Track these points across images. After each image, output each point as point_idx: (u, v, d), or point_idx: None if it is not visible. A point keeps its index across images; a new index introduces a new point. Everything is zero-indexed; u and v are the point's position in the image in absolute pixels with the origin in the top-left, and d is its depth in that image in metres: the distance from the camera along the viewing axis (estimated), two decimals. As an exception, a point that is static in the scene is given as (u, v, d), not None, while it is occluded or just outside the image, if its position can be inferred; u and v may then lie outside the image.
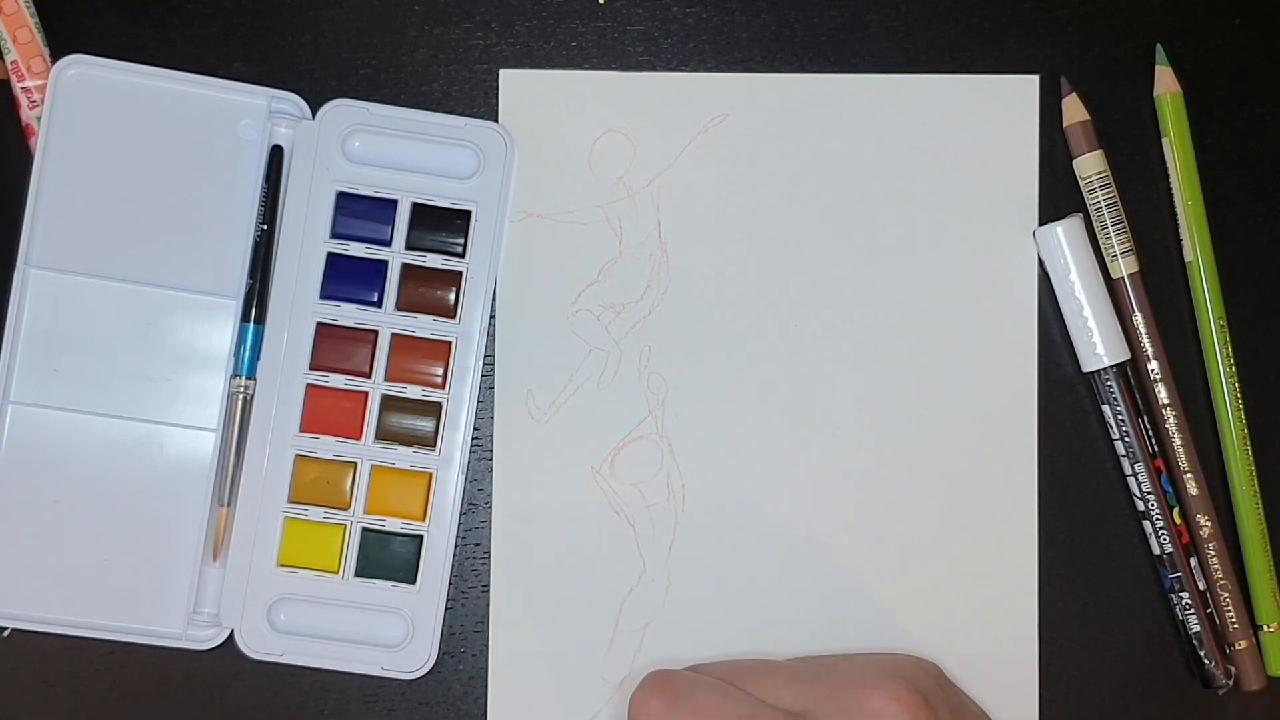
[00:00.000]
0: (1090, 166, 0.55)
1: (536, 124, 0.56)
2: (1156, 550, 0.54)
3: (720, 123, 0.56)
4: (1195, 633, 0.54)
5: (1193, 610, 0.54)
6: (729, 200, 0.56)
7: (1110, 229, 0.54)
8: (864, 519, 0.55)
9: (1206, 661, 0.54)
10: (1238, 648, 0.54)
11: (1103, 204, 0.55)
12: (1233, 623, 0.54)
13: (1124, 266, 0.55)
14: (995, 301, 0.55)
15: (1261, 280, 0.56)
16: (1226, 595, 0.54)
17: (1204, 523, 0.54)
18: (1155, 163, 0.56)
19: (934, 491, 0.55)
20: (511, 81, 0.56)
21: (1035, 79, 0.56)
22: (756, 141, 0.56)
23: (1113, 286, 0.55)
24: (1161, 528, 0.54)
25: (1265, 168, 0.56)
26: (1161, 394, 0.55)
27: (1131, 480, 0.54)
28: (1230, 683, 0.54)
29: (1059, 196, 0.56)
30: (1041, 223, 0.55)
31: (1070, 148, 0.55)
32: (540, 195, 0.55)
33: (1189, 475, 0.54)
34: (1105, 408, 0.54)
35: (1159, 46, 0.56)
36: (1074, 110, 0.55)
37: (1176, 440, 0.54)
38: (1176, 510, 0.54)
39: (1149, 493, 0.54)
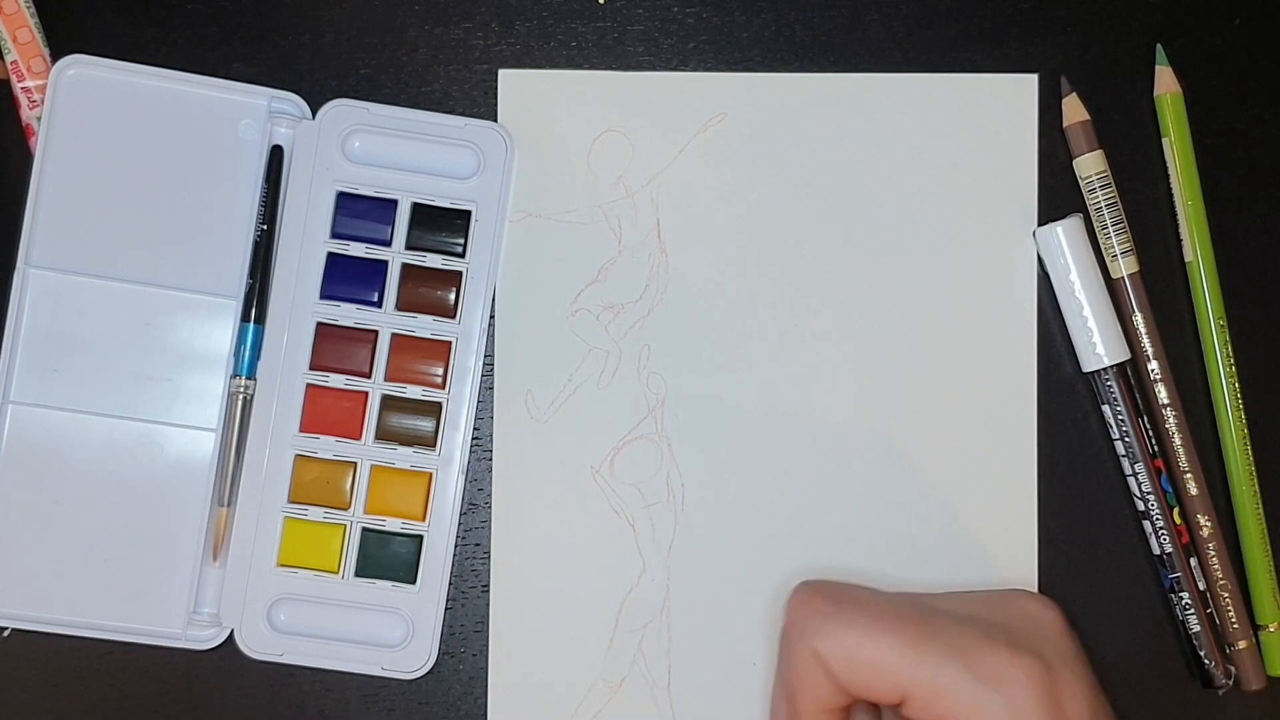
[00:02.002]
0: (1090, 166, 0.55)
1: (536, 124, 0.56)
2: (1156, 550, 0.54)
3: (719, 122, 0.56)
4: (1195, 633, 0.54)
5: (1193, 610, 0.54)
6: (728, 200, 0.56)
7: (1110, 229, 0.54)
8: (864, 518, 0.55)
9: (1207, 661, 0.54)
10: (1238, 648, 0.54)
11: (1103, 204, 0.55)
12: (1233, 623, 0.54)
13: (1124, 266, 0.54)
14: (995, 301, 0.55)
15: (1262, 280, 0.56)
16: (1226, 595, 0.54)
17: (1204, 523, 0.54)
18: (1155, 163, 0.56)
19: (934, 491, 0.55)
20: (511, 81, 0.56)
21: (1034, 78, 0.56)
22: (756, 141, 0.56)
23: (1112, 287, 0.55)
24: (1161, 528, 0.54)
25: (1265, 168, 0.56)
26: (1161, 394, 0.55)
27: (1131, 480, 0.54)
28: (1230, 683, 0.54)
29: (1059, 196, 0.55)
30: (1041, 223, 0.55)
31: (1070, 148, 0.55)
32: (540, 195, 0.55)
33: (1189, 475, 0.54)
34: (1105, 408, 0.54)
35: (1159, 47, 0.56)
36: (1074, 110, 0.55)
37: (1176, 440, 0.54)
38: (1176, 510, 0.54)
39: (1149, 493, 0.54)
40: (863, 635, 0.46)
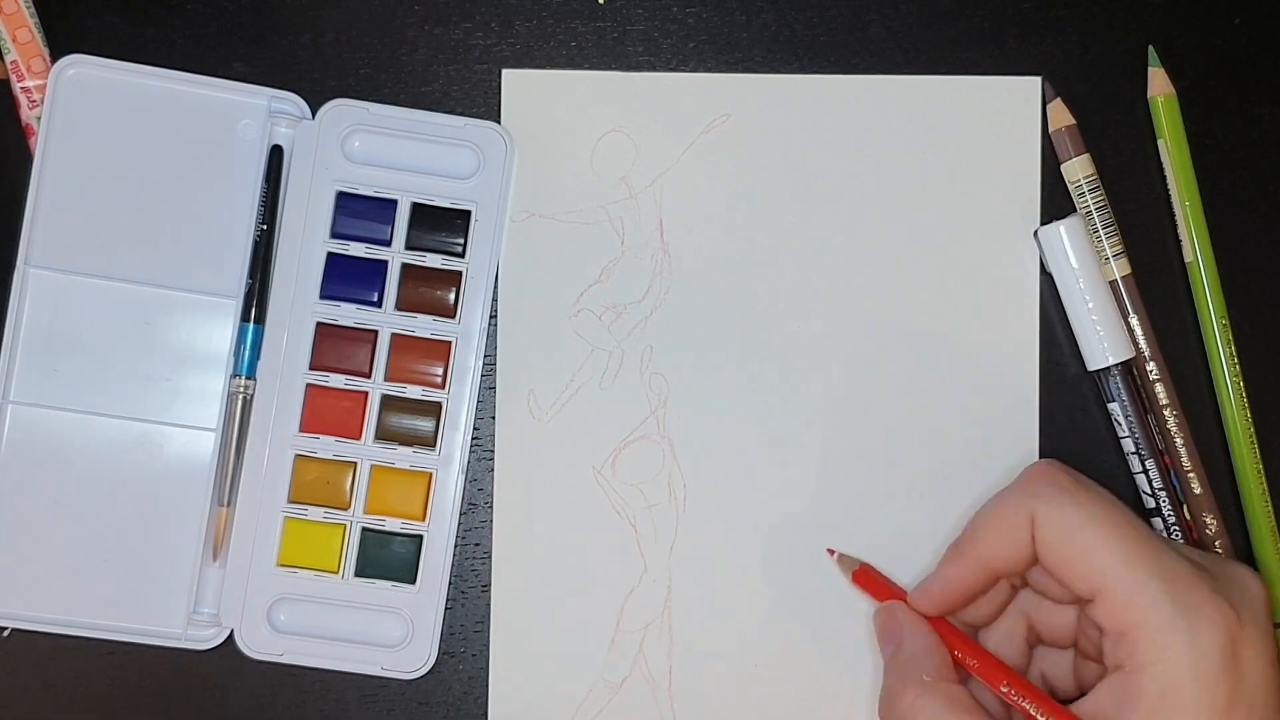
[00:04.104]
0: (1078, 171, 0.55)
1: (540, 124, 0.56)
2: (1168, 547, 0.54)
3: (723, 123, 0.56)
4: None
5: (1204, 607, 0.54)
6: (731, 201, 0.56)
7: (1101, 232, 0.54)
8: (865, 518, 0.55)
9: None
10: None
11: (1092, 208, 0.55)
12: (1243, 620, 0.54)
13: (1116, 269, 0.55)
14: (997, 302, 0.55)
15: (1262, 280, 0.56)
16: (1235, 594, 0.54)
17: (1209, 521, 0.54)
18: (1157, 162, 0.56)
19: (935, 491, 0.55)
20: (514, 81, 0.56)
21: (1038, 80, 0.56)
22: (759, 142, 0.56)
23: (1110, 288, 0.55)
24: (1173, 524, 0.54)
25: (1265, 168, 0.56)
26: (1161, 394, 0.55)
27: (1141, 477, 0.54)
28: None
29: (1060, 196, 0.56)
30: (1043, 223, 0.55)
31: (1057, 152, 0.55)
32: (542, 195, 0.55)
33: (1191, 475, 0.54)
34: (1113, 405, 0.54)
35: (1151, 48, 0.56)
36: (1059, 115, 0.55)
37: (1178, 440, 0.54)
38: (1185, 508, 0.54)
39: (1160, 489, 0.54)
40: (1089, 519, 0.46)
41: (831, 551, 0.54)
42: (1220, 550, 0.54)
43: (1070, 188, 0.55)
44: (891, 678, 0.50)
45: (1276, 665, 0.46)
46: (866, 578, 0.53)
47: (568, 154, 0.55)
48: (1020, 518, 0.48)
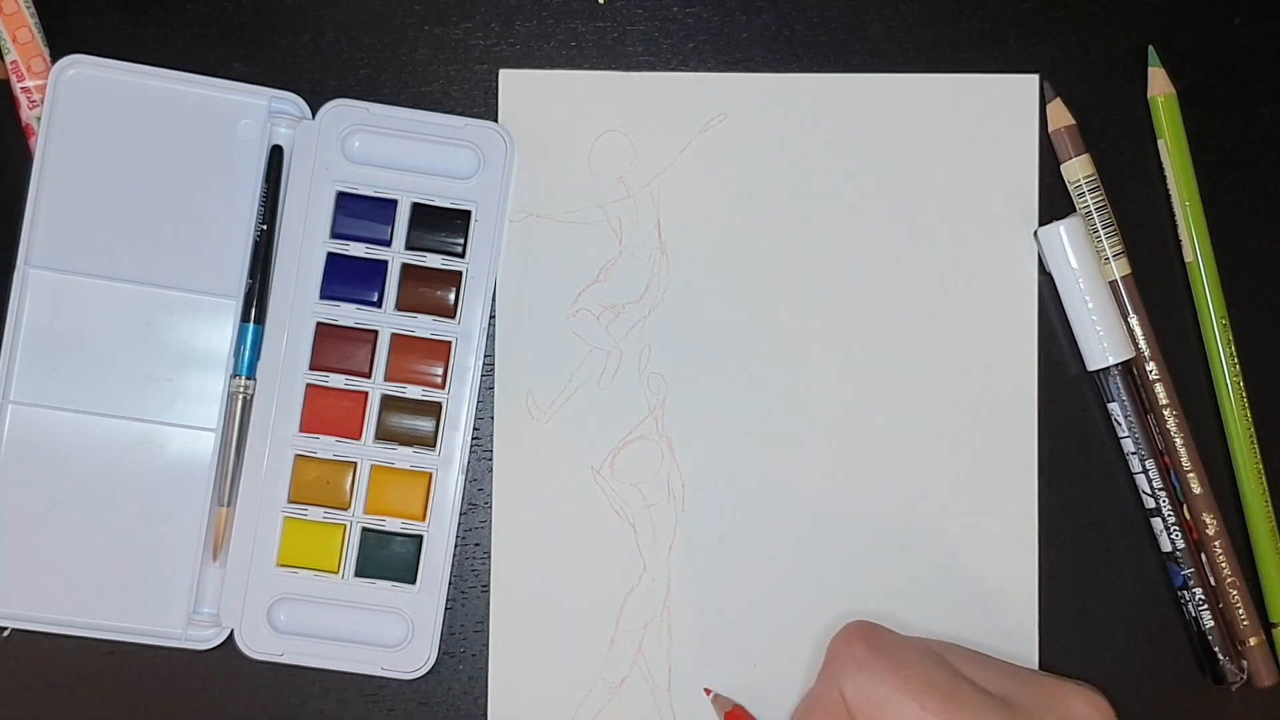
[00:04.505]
0: (1077, 171, 0.55)
1: (536, 124, 0.56)
2: (1168, 547, 0.54)
3: (721, 122, 0.56)
4: (1209, 629, 0.54)
5: (1206, 606, 0.54)
6: (729, 200, 0.56)
7: (1101, 232, 0.54)
8: (864, 519, 0.55)
9: (1221, 657, 0.54)
10: (1249, 644, 0.54)
11: (1092, 208, 0.54)
12: (1242, 620, 0.54)
13: (1116, 269, 0.54)
14: (996, 302, 0.55)
15: (1262, 280, 0.56)
16: (1235, 593, 0.54)
17: (1209, 521, 0.54)
18: (1157, 162, 0.56)
19: (935, 491, 0.55)
20: (511, 81, 0.56)
21: (1035, 78, 0.56)
22: (757, 142, 0.56)
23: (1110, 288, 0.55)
24: (1174, 524, 0.54)
25: (1265, 168, 0.56)
26: (1161, 394, 0.55)
27: (1141, 478, 0.54)
28: (1245, 677, 0.54)
29: (1060, 196, 0.55)
30: (1042, 222, 0.55)
31: (1056, 153, 0.55)
32: (540, 195, 0.55)
33: (1191, 475, 0.54)
34: (1113, 405, 0.54)
35: (1151, 48, 0.56)
36: (1059, 115, 0.55)
37: (1178, 440, 0.54)
38: (1185, 508, 0.54)
39: (1160, 489, 0.54)
40: (889, 692, 0.47)
41: (708, 691, 0.54)
42: (1220, 550, 0.54)
43: (1070, 188, 0.55)
44: None
45: None
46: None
47: (565, 154, 0.55)
48: (836, 698, 0.49)
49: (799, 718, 0.50)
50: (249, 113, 0.54)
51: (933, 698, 0.47)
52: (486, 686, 0.55)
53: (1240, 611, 0.54)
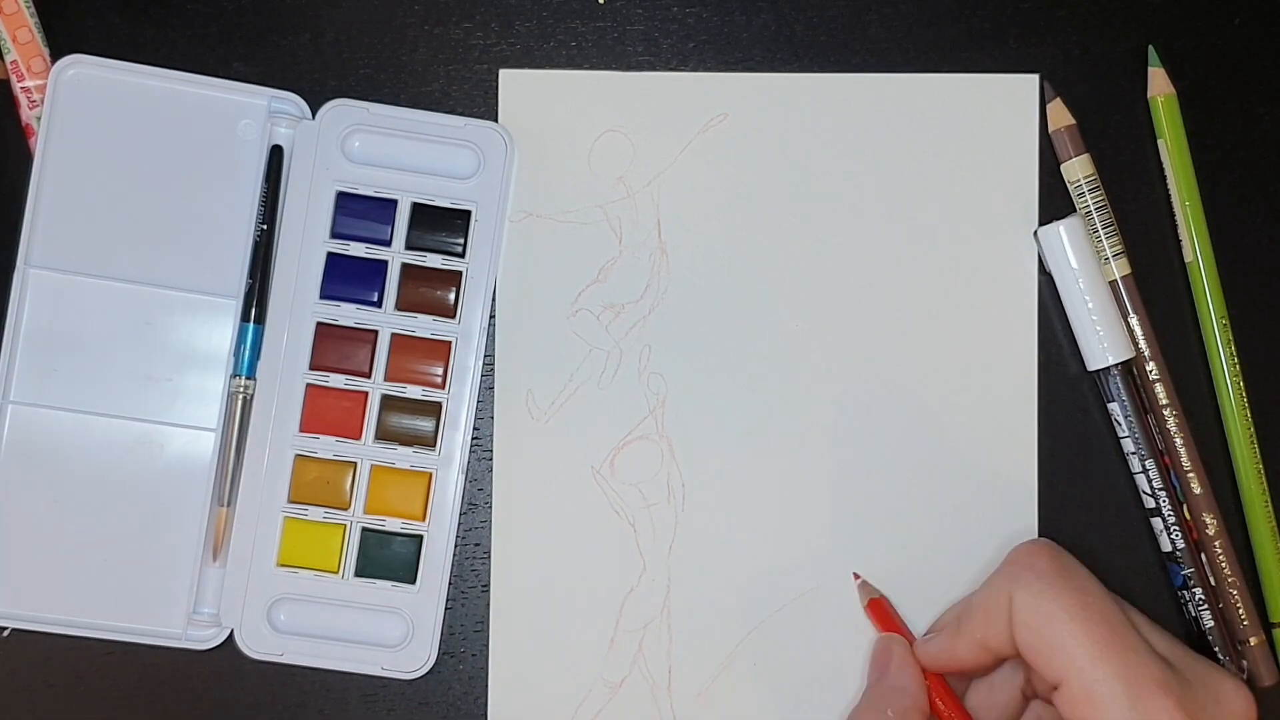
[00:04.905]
0: (1077, 171, 0.55)
1: (536, 124, 0.56)
2: (1168, 547, 0.54)
3: (720, 122, 0.56)
4: (1209, 628, 0.54)
5: (1206, 606, 0.54)
6: (729, 200, 0.56)
7: (1101, 232, 0.54)
8: (864, 519, 0.55)
9: (1222, 657, 0.54)
10: (1249, 644, 0.54)
11: (1092, 208, 0.54)
12: (1242, 620, 0.54)
13: (1116, 269, 0.54)
14: (996, 302, 0.55)
15: (1262, 280, 0.56)
16: (1235, 593, 0.54)
17: (1209, 521, 0.54)
18: (1157, 162, 0.56)
19: (935, 491, 0.55)
20: (511, 81, 0.56)
21: (1035, 78, 0.56)
22: (757, 141, 0.56)
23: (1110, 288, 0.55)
24: (1174, 524, 0.54)
25: (1265, 168, 0.56)
26: (1160, 394, 0.55)
27: (1141, 477, 0.54)
28: (1245, 677, 0.54)
29: (1060, 196, 0.55)
30: (1042, 222, 0.55)
31: (1056, 152, 0.55)
32: (540, 195, 0.55)
33: (1191, 475, 0.54)
34: (1113, 405, 0.54)
35: (1151, 48, 0.56)
36: (1059, 115, 0.55)
37: (1178, 440, 0.54)
38: (1185, 508, 0.54)
39: (1160, 489, 0.54)
40: (1058, 610, 0.47)
41: (857, 576, 0.54)
42: (1220, 550, 0.54)
43: (1070, 188, 0.55)
44: (864, 702, 0.51)
45: None
46: (879, 610, 0.53)
47: (565, 154, 0.56)
48: (1002, 600, 0.48)
49: (958, 613, 0.50)
50: (249, 113, 0.54)
51: (1102, 629, 0.46)
52: (486, 686, 0.55)
53: (1240, 611, 0.54)
